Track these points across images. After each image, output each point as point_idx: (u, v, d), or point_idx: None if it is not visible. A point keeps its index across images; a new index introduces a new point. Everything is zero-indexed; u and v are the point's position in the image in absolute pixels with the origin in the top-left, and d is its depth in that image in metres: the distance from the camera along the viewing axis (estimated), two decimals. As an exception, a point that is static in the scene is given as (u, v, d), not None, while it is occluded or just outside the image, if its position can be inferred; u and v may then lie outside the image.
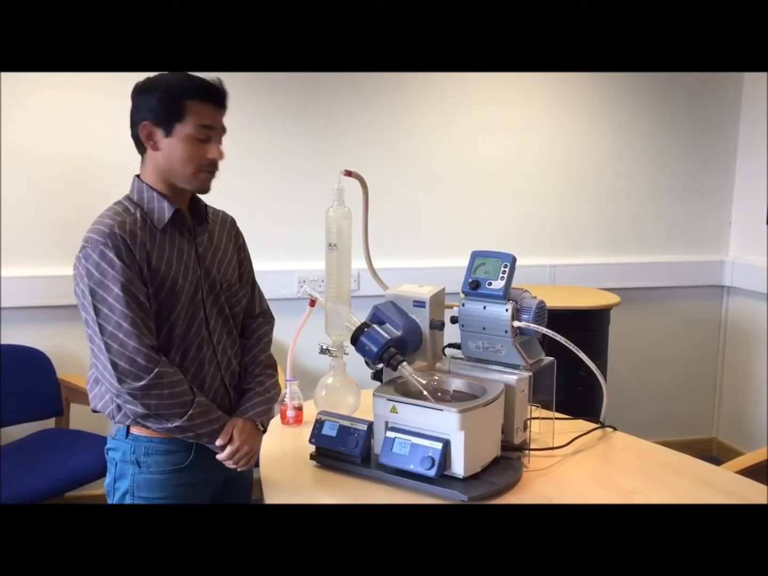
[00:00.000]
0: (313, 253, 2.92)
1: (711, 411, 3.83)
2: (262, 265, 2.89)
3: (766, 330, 3.47)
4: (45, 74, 2.80)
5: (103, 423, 2.87)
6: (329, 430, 1.71)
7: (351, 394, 1.99)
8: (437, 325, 1.80)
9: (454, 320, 1.81)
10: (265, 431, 1.66)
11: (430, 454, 1.54)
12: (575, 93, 3.41)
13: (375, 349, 1.69)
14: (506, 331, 1.72)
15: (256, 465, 1.69)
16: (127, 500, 1.56)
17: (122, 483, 1.57)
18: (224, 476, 1.64)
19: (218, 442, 1.54)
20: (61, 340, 2.95)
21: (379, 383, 1.78)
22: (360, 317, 1.80)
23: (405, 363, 1.68)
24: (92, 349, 1.49)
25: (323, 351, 1.98)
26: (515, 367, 1.74)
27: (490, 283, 1.74)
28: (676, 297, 3.67)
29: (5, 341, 2.84)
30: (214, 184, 1.60)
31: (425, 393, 1.62)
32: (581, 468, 1.72)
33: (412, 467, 1.55)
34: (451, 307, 1.83)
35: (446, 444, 1.54)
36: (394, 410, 1.61)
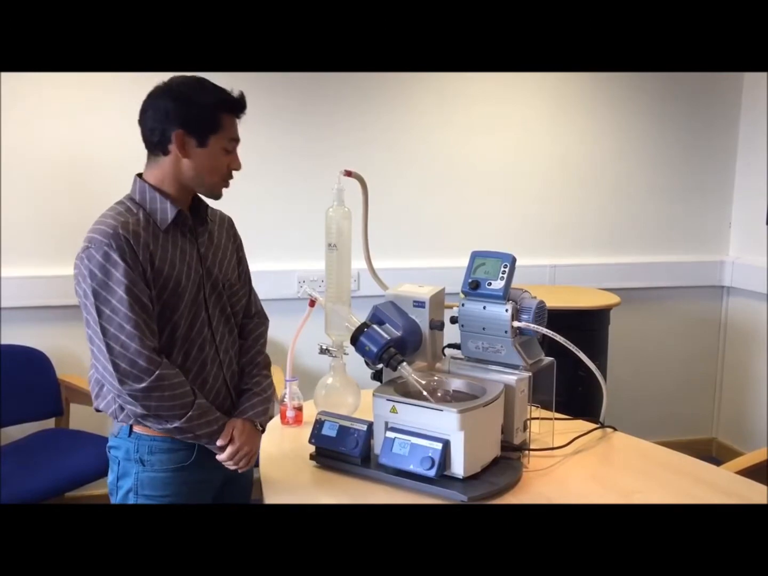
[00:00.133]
0: (313, 253, 2.92)
1: (711, 411, 3.83)
2: (261, 265, 2.90)
3: (766, 330, 3.47)
4: (45, 74, 2.80)
5: (103, 423, 2.88)
6: (329, 431, 1.71)
7: (351, 394, 1.99)
8: (437, 326, 1.80)
9: (453, 320, 1.81)
10: (263, 431, 1.67)
11: (429, 455, 1.54)
12: (575, 93, 3.41)
13: (375, 349, 1.69)
14: (506, 332, 1.72)
15: (256, 465, 1.69)
16: (131, 498, 1.57)
17: (125, 481, 1.57)
18: (225, 475, 1.65)
19: (219, 443, 1.54)
20: (61, 340, 2.95)
21: (378, 383, 1.78)
22: (360, 317, 1.80)
23: (405, 363, 1.68)
24: (92, 350, 1.49)
25: (323, 351, 1.98)
26: (515, 367, 1.74)
27: (489, 284, 1.74)
28: (676, 297, 3.67)
29: (5, 341, 2.84)
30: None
31: (425, 393, 1.62)
32: (581, 468, 1.72)
33: (411, 467, 1.55)
34: (450, 307, 1.83)
35: (446, 444, 1.54)
36: (393, 410, 1.61)
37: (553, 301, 2.05)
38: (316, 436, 1.73)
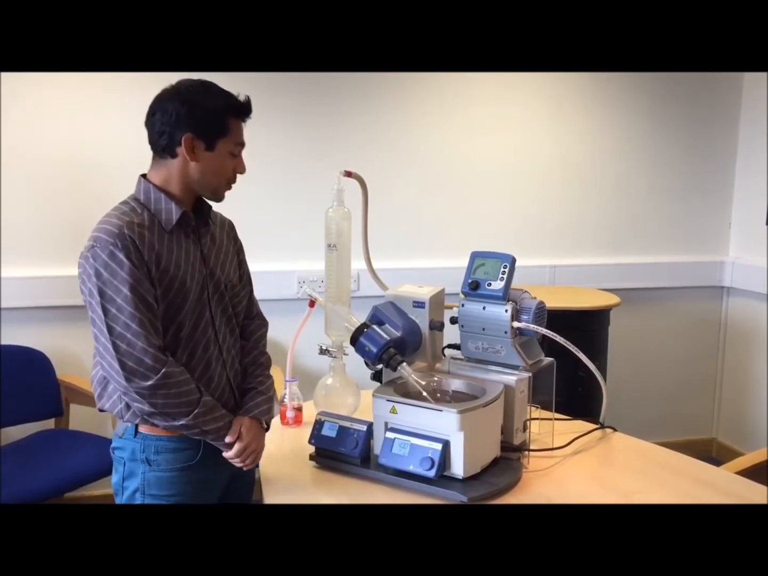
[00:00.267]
0: (313, 253, 2.91)
1: (711, 411, 3.83)
2: (261, 266, 2.90)
3: (766, 330, 3.47)
4: (45, 74, 2.80)
5: (102, 423, 2.88)
6: (329, 431, 1.71)
7: (351, 394, 1.99)
8: (437, 326, 1.80)
9: (453, 321, 1.81)
10: (268, 429, 1.69)
11: (429, 455, 1.54)
12: (575, 93, 3.40)
13: (374, 349, 1.69)
14: (506, 332, 1.72)
15: (256, 465, 1.69)
16: (137, 498, 1.58)
17: (132, 481, 1.58)
18: (230, 473, 1.66)
19: (227, 439, 1.56)
20: (61, 340, 2.95)
21: (378, 384, 1.78)
22: (359, 318, 1.80)
23: (404, 364, 1.68)
24: (98, 348, 1.50)
25: (323, 351, 1.98)
26: (515, 367, 1.74)
27: (489, 284, 1.73)
28: (676, 297, 3.67)
29: (5, 341, 2.84)
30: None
31: (425, 394, 1.62)
32: (581, 469, 1.72)
33: (411, 468, 1.55)
34: (450, 307, 1.83)
35: (446, 444, 1.54)
36: (393, 411, 1.61)
37: (553, 302, 2.05)
38: (315, 437, 1.73)
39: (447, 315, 1.83)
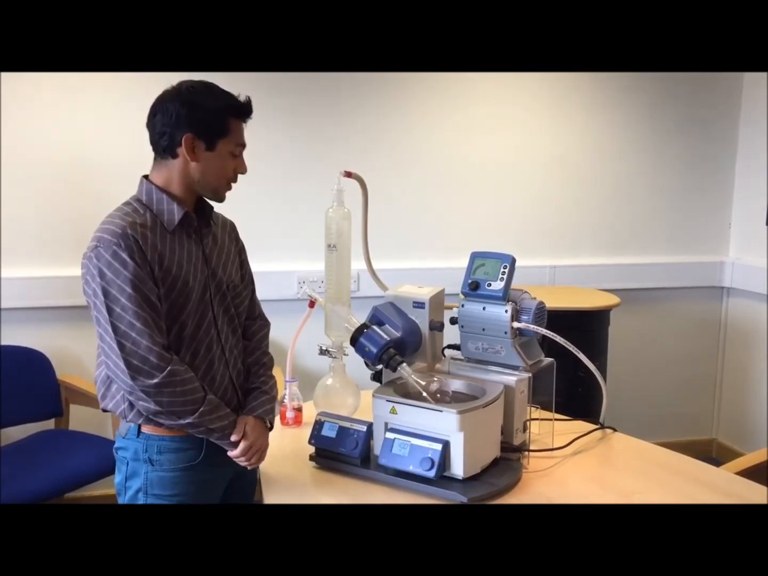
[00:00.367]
0: (313, 253, 2.91)
1: (711, 412, 3.83)
2: (261, 266, 2.90)
3: (766, 331, 3.47)
4: (45, 74, 2.80)
5: (102, 424, 2.88)
6: (329, 431, 1.71)
7: (350, 395, 1.99)
8: (437, 326, 1.80)
9: (453, 321, 1.81)
10: (271, 429, 1.69)
11: (429, 455, 1.54)
12: (575, 93, 3.40)
13: (374, 350, 1.69)
14: (506, 332, 1.72)
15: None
16: (140, 498, 1.58)
17: (134, 481, 1.59)
18: (233, 473, 1.67)
19: (233, 438, 1.57)
20: (61, 340, 2.95)
21: (378, 384, 1.78)
22: (359, 318, 1.80)
23: (404, 364, 1.68)
24: (102, 348, 1.51)
25: (323, 352, 1.98)
26: (515, 368, 1.74)
27: (489, 284, 1.73)
28: (676, 298, 3.67)
29: (5, 341, 2.84)
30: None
31: (425, 394, 1.62)
32: (581, 469, 1.72)
33: (411, 468, 1.55)
34: (450, 308, 1.83)
35: (446, 445, 1.54)
36: (393, 411, 1.61)
37: (553, 302, 2.05)
38: (315, 437, 1.73)
39: (447, 315, 1.83)
